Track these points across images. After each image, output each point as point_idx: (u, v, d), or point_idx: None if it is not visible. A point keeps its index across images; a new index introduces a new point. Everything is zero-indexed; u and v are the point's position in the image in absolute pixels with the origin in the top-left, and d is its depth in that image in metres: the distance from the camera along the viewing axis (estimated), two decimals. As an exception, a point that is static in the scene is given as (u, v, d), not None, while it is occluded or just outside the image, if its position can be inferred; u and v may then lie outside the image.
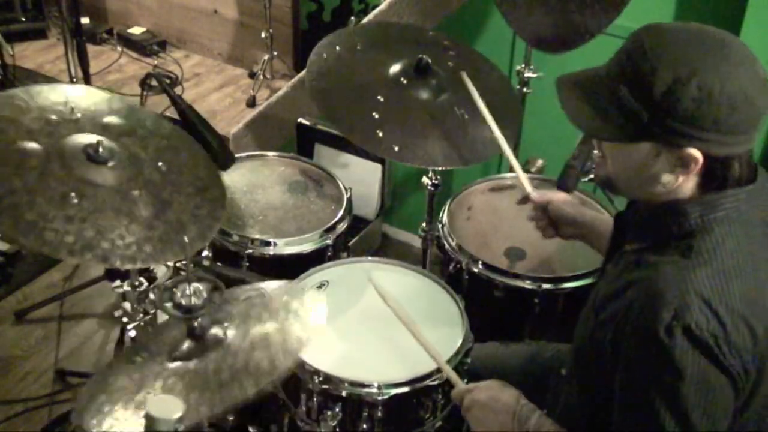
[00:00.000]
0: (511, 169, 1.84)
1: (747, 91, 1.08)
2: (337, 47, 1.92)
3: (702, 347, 1.07)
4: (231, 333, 1.30)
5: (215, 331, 1.30)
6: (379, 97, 1.83)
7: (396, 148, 1.76)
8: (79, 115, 1.37)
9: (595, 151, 2.04)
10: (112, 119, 1.43)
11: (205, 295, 1.27)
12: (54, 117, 1.33)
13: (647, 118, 1.11)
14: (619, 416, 1.17)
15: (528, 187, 1.72)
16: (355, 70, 1.91)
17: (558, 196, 1.70)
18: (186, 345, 1.28)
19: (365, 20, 2.47)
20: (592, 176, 2.10)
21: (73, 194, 1.22)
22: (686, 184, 1.16)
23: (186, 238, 1.29)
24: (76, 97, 1.43)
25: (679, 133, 1.10)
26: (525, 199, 1.73)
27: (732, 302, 1.09)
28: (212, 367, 1.23)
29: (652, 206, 1.21)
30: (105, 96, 1.46)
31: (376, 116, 1.79)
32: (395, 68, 1.91)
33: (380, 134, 1.77)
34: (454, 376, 1.51)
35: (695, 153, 1.11)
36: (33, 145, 1.26)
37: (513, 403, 1.36)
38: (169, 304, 1.26)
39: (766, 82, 1.11)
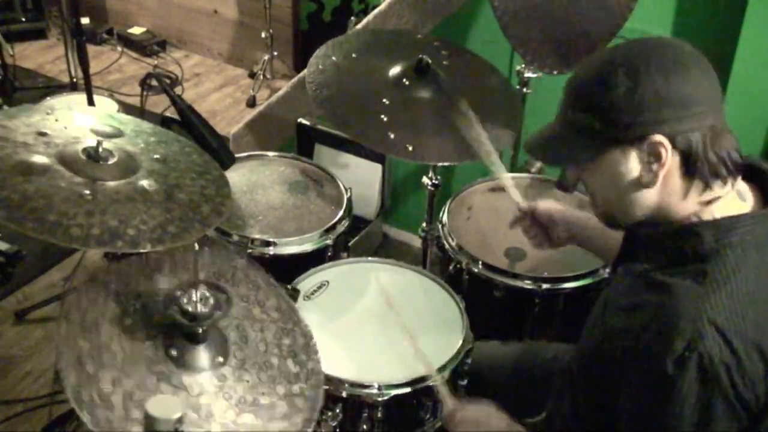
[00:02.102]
0: (512, 168, 1.84)
1: (677, 61, 1.10)
2: (333, 57, 1.93)
3: (711, 379, 1.05)
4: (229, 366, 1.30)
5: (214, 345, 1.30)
6: (384, 100, 1.85)
7: (410, 148, 1.78)
8: (65, 126, 1.42)
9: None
10: (97, 125, 1.48)
11: (212, 302, 1.27)
12: (44, 130, 1.39)
13: (599, 125, 1.13)
14: None
15: (517, 197, 1.71)
16: (355, 76, 1.92)
17: (544, 203, 1.69)
18: (183, 350, 1.28)
19: (365, 21, 2.47)
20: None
21: (86, 192, 1.27)
22: (671, 182, 1.14)
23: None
24: (59, 110, 1.50)
25: (631, 124, 1.11)
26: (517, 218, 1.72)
27: (746, 330, 1.07)
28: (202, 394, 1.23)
29: (665, 228, 1.19)
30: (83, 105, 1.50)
31: (385, 119, 1.81)
32: (394, 71, 1.92)
33: (392, 136, 1.78)
34: (445, 392, 1.51)
35: (658, 138, 1.10)
36: (35, 155, 1.31)
37: (503, 424, 1.37)
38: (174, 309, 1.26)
39: (693, 58, 1.12)
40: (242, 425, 1.23)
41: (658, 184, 1.14)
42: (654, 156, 1.12)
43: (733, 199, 1.16)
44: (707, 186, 1.14)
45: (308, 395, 1.33)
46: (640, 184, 1.15)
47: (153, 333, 1.27)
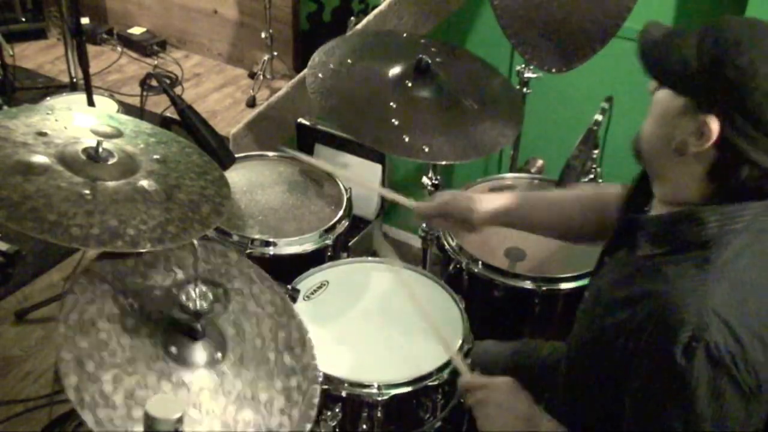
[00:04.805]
0: (512, 168, 1.85)
1: None
2: (330, 65, 1.93)
3: (720, 367, 1.05)
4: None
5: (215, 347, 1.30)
6: (391, 103, 1.85)
7: (426, 149, 1.78)
8: (65, 126, 1.42)
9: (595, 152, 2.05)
10: (97, 125, 1.48)
11: (211, 297, 1.27)
12: (44, 130, 1.39)
13: (695, 69, 1.10)
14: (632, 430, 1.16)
15: (405, 201, 1.71)
16: (356, 82, 1.93)
17: (444, 195, 1.67)
18: (182, 347, 1.28)
19: (365, 21, 2.47)
20: (592, 176, 2.11)
21: (86, 191, 1.27)
22: (693, 167, 1.13)
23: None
24: (59, 110, 1.49)
25: (710, 95, 1.09)
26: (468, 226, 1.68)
27: (749, 320, 1.07)
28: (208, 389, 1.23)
29: (668, 213, 1.19)
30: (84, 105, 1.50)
31: (396, 123, 1.81)
32: (394, 73, 1.92)
33: (407, 139, 1.78)
34: (462, 366, 1.49)
35: (713, 124, 1.08)
36: (35, 155, 1.31)
37: (527, 409, 1.34)
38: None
39: None
40: (242, 421, 1.23)
41: (683, 158, 1.13)
42: (699, 134, 1.11)
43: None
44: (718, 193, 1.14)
45: (305, 389, 1.33)
46: (673, 142, 1.14)
47: (152, 330, 1.27)
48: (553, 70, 2.16)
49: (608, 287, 1.24)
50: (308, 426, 1.28)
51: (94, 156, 1.34)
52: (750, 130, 1.07)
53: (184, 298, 1.26)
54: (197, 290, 1.26)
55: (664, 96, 1.17)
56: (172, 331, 1.28)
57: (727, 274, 1.09)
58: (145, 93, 2.47)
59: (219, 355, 1.29)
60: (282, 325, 1.43)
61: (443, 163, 2.13)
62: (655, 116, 1.19)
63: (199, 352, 1.27)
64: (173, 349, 1.26)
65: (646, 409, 1.12)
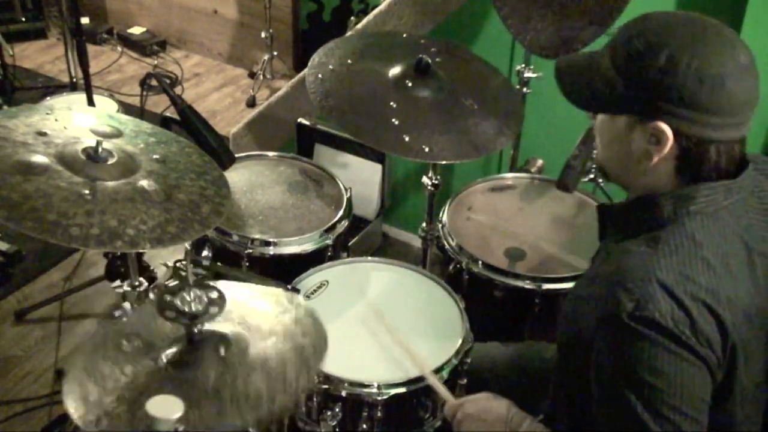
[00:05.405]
0: (512, 168, 1.84)
1: (719, 72, 1.08)
2: (330, 65, 1.93)
3: (668, 335, 1.07)
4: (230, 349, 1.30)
5: (213, 343, 1.30)
6: (391, 103, 1.85)
7: (427, 149, 1.78)
8: (65, 126, 1.41)
9: (595, 143, 2.06)
10: (97, 125, 1.48)
11: (206, 300, 1.27)
12: (44, 130, 1.39)
13: (622, 87, 1.14)
14: (598, 411, 1.16)
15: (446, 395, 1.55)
16: (356, 82, 1.93)
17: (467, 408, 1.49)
18: (182, 350, 1.27)
19: (365, 21, 2.47)
20: (592, 176, 2.11)
21: (86, 192, 1.27)
22: (663, 167, 1.16)
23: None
24: (59, 110, 1.50)
25: (648, 104, 1.12)
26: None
27: (697, 292, 1.08)
28: (211, 382, 1.23)
29: (629, 200, 1.23)
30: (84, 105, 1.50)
31: (396, 122, 1.81)
32: (394, 73, 1.92)
33: (407, 139, 1.78)
34: (444, 391, 1.50)
35: (664, 127, 1.12)
36: (34, 155, 1.30)
37: (504, 412, 1.37)
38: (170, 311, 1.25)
39: (748, 70, 1.11)
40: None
41: (651, 165, 1.17)
42: (656, 141, 1.14)
43: None
44: (695, 181, 1.16)
45: (315, 343, 1.31)
46: (632, 158, 1.18)
47: (155, 355, 1.27)
48: (553, 57, 2.13)
49: (586, 276, 1.29)
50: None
51: (93, 156, 1.34)
52: (697, 115, 1.10)
53: (179, 303, 1.26)
54: (191, 294, 1.26)
55: (604, 120, 1.22)
56: (174, 347, 1.27)
57: (677, 251, 1.11)
58: (145, 93, 2.48)
59: (222, 351, 1.29)
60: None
61: (443, 162, 2.13)
62: (605, 141, 1.24)
63: (204, 355, 1.27)
64: (177, 365, 1.25)
65: (606, 387, 1.14)
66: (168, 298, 1.25)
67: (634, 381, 1.09)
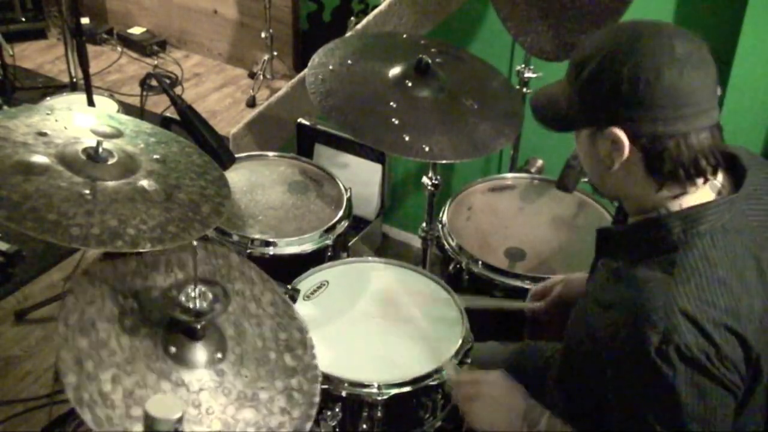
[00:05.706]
0: (512, 168, 1.83)
1: (654, 66, 1.09)
2: (330, 65, 1.94)
3: (695, 366, 1.07)
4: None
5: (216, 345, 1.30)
6: (391, 103, 1.85)
7: (427, 149, 1.78)
8: (65, 126, 1.42)
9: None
10: (97, 125, 1.48)
11: (210, 297, 1.27)
12: (44, 130, 1.39)
13: (577, 102, 1.18)
14: (617, 427, 1.17)
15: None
16: (356, 82, 1.93)
17: (552, 295, 1.73)
18: (182, 347, 1.28)
19: (365, 21, 2.48)
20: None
21: (86, 191, 1.27)
22: (634, 170, 1.17)
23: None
24: (59, 110, 1.50)
25: (599, 113, 1.15)
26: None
27: (718, 317, 1.08)
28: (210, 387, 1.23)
29: (635, 222, 1.23)
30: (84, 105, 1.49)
31: (396, 122, 1.81)
32: (394, 73, 1.93)
33: (407, 139, 1.78)
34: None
35: (617, 131, 1.13)
36: (34, 155, 1.31)
37: (522, 403, 1.35)
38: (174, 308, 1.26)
39: (689, 60, 1.11)
40: (242, 420, 1.23)
41: (620, 170, 1.18)
42: (614, 148, 1.16)
43: (703, 190, 1.17)
44: (676, 182, 1.16)
45: (306, 389, 1.33)
46: (604, 165, 1.20)
47: (151, 331, 1.27)
48: (553, 59, 2.14)
49: (595, 290, 1.28)
50: (308, 425, 1.28)
51: (94, 156, 1.34)
52: (643, 113, 1.12)
53: (183, 298, 1.26)
54: (197, 290, 1.26)
55: (576, 137, 1.26)
56: (172, 331, 1.28)
57: (693, 275, 1.11)
58: (145, 93, 2.48)
59: (219, 355, 1.29)
60: (283, 326, 1.43)
61: (443, 162, 2.13)
62: (582, 157, 1.28)
63: (199, 352, 1.27)
64: (173, 349, 1.26)
65: (629, 418, 1.14)
66: (172, 293, 1.26)
67: (659, 411, 1.10)
